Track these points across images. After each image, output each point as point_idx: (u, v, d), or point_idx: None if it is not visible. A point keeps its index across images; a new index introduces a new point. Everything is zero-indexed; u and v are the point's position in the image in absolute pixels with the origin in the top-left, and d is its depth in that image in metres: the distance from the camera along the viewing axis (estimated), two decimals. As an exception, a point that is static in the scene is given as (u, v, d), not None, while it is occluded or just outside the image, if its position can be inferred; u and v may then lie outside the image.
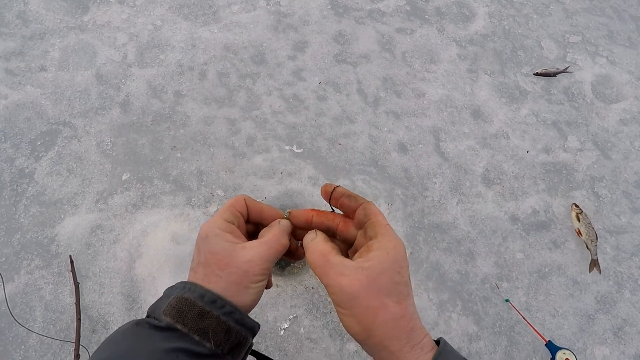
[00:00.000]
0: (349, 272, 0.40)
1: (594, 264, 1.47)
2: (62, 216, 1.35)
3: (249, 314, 0.46)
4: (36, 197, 1.37)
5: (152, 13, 1.76)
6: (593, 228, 1.48)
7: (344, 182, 1.48)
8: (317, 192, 1.46)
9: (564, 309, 1.42)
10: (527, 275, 1.44)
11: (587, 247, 1.47)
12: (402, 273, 0.41)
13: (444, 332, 1.35)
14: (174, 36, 1.71)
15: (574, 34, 1.86)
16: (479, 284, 1.42)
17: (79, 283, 1.23)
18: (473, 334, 1.36)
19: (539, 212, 1.53)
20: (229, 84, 1.60)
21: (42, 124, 1.51)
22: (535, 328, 1.23)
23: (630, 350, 1.40)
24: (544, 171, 1.60)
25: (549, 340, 1.25)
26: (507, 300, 1.39)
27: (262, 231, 0.51)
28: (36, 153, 1.45)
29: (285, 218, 0.53)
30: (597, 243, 1.47)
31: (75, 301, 1.19)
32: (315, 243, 0.46)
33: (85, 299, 1.23)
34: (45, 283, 1.25)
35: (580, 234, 1.48)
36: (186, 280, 0.46)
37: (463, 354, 1.36)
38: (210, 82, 1.60)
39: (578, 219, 1.48)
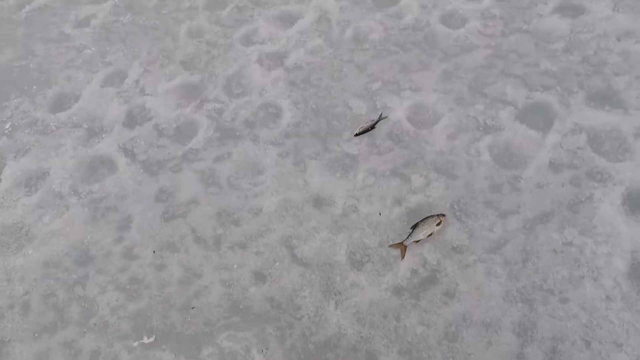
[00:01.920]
0: None
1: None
2: None
3: None
4: None
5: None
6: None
7: (208, 351, 1.33)
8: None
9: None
10: (437, 346, 1.32)
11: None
12: None
13: None
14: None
15: (373, 82, 1.96)
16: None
17: None
18: None
19: (417, 270, 1.46)
20: (57, 303, 1.44)
21: None
22: None
23: None
24: (405, 223, 1.56)
25: None
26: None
27: None
28: None
29: None
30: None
31: None
32: None
33: None
34: None
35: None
36: None
37: None
38: (35, 311, 1.43)
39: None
